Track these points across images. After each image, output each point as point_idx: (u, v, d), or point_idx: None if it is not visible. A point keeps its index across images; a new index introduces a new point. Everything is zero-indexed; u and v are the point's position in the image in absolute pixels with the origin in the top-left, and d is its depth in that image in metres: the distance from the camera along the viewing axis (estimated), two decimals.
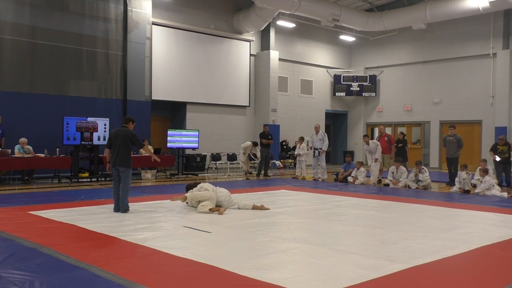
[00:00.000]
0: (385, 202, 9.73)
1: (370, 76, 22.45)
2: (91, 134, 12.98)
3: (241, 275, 4.38)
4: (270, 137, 15.98)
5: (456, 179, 12.02)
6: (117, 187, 7.98)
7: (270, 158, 16.22)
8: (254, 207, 8.32)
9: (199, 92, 17.84)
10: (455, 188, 11.90)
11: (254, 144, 15.87)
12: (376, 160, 13.43)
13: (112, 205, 8.00)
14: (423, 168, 12.71)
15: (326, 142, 14.75)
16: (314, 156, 14.76)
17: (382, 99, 22.58)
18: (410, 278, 4.47)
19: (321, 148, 14.58)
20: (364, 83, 22.44)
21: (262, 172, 15.90)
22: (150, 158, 12.70)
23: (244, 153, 16.02)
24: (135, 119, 8.53)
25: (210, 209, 7.93)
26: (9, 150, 11.99)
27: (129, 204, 7.94)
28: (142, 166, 14.37)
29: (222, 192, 8.41)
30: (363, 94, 22.55)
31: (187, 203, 8.26)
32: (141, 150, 9.02)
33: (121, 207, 7.82)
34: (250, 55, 19.43)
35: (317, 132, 14.80)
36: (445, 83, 20.34)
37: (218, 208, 8.02)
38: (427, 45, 20.84)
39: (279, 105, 20.03)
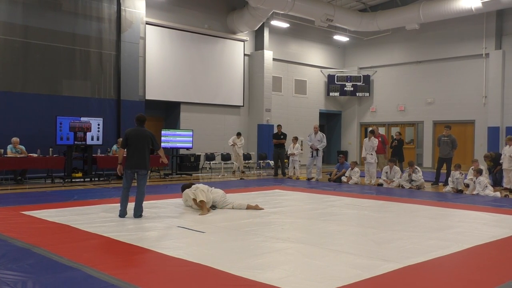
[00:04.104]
0: (378, 202, 9.75)
1: (363, 76, 22.51)
2: (85, 134, 12.93)
3: (235, 275, 4.38)
4: (282, 137, 15.99)
5: (450, 178, 12.09)
6: (128, 191, 7.51)
7: (283, 158, 16.03)
8: (249, 207, 8.32)
9: (193, 92, 17.81)
10: (448, 188, 11.96)
11: (238, 134, 17.02)
12: (364, 158, 13.55)
13: (103, 206, 7.84)
14: (416, 168, 12.76)
15: (324, 142, 14.76)
16: (312, 156, 14.73)
17: (376, 99, 22.64)
18: (404, 277, 4.48)
19: (318, 149, 14.59)
20: (358, 83, 22.50)
21: (280, 171, 15.97)
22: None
23: (233, 145, 16.69)
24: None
25: (197, 204, 7.91)
26: (2, 150, 11.92)
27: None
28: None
29: (217, 192, 8.40)
30: (357, 94, 22.60)
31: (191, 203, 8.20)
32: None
33: (137, 213, 7.40)
34: (244, 55, 19.42)
35: (315, 133, 14.77)
36: (438, 83, 20.43)
37: (204, 207, 7.90)
38: (420, 45, 20.92)
39: (273, 105, 20.04)
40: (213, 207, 8.28)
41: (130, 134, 7.57)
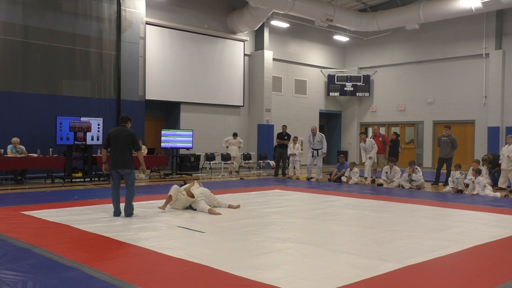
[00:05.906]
0: (378, 202, 9.75)
1: (363, 76, 22.52)
2: (85, 134, 12.92)
3: (235, 275, 4.38)
4: (286, 137, 15.96)
5: (450, 178, 12.08)
6: (117, 190, 7.56)
7: (286, 158, 15.88)
8: (211, 211, 7.90)
9: (193, 92, 17.81)
10: (448, 188, 11.96)
11: (234, 135, 16.98)
12: (370, 158, 13.56)
13: (103, 206, 7.81)
14: (416, 168, 12.76)
15: (325, 144, 14.73)
16: (312, 156, 14.71)
17: (376, 99, 22.64)
18: (403, 277, 4.48)
19: (319, 149, 14.57)
20: (358, 83, 22.50)
21: (280, 171, 16.01)
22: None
23: (227, 147, 16.70)
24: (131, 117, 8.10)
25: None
26: (2, 150, 11.92)
27: (122, 204, 7.66)
28: (137, 166, 14.28)
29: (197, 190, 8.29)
30: (357, 94, 22.60)
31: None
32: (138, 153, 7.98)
33: (127, 211, 7.42)
34: (244, 55, 19.42)
35: (314, 134, 14.73)
36: (438, 83, 20.44)
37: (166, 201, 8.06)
38: (420, 45, 20.93)
39: (273, 105, 20.04)
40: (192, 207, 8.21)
41: (111, 134, 7.59)
